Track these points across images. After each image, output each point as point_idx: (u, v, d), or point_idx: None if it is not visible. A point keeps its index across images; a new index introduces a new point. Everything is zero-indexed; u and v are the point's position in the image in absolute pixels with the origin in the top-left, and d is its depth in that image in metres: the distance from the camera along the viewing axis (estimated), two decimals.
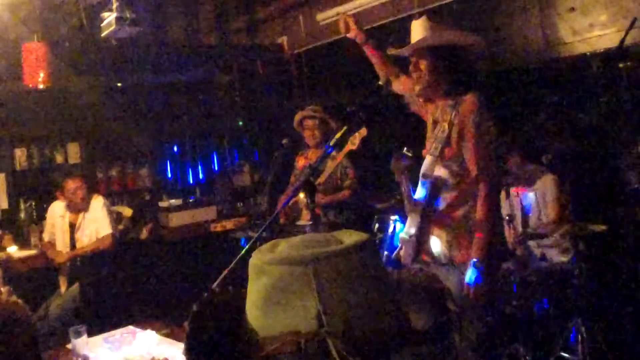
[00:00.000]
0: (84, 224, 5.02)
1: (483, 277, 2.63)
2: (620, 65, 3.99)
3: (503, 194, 4.20)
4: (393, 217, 4.25)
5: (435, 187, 2.83)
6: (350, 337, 0.88)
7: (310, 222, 4.18)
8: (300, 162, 4.93)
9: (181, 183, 7.46)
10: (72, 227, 5.04)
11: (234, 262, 2.26)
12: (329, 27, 5.93)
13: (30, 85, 4.75)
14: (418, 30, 2.82)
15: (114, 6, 4.44)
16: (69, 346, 3.00)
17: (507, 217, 4.18)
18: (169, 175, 7.46)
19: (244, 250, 2.34)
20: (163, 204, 6.59)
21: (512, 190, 4.31)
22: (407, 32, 2.88)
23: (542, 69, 4.55)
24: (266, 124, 7.14)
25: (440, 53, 2.78)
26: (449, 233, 2.81)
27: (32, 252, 5.46)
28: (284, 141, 4.77)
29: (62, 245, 5.05)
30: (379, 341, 0.91)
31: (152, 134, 7.02)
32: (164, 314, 4.42)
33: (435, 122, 2.87)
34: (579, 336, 3.52)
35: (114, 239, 5.04)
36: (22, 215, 5.99)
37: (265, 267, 0.94)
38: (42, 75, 4.67)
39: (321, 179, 4.49)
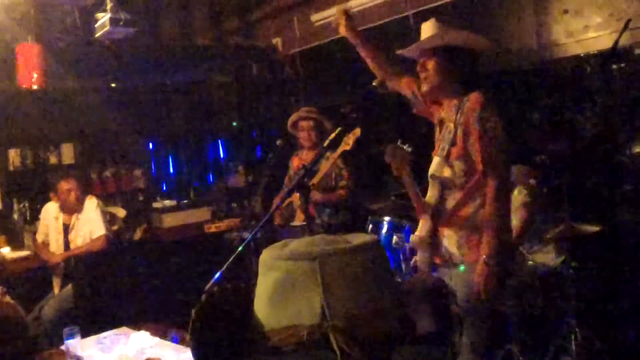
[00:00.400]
0: (78, 225, 5.00)
1: (493, 275, 2.63)
2: (615, 66, 4.01)
3: None
4: (387, 218, 4.24)
5: (445, 187, 2.82)
6: (351, 332, 0.91)
7: (305, 223, 4.17)
8: (295, 163, 4.93)
9: (175, 184, 7.46)
10: (66, 228, 5.02)
11: (228, 261, 2.26)
12: (323, 28, 5.92)
13: (25, 86, 4.75)
14: (427, 31, 2.83)
15: (108, 7, 4.44)
16: (63, 347, 2.99)
17: None
18: (163, 176, 7.45)
19: (237, 250, 2.35)
20: (157, 204, 6.58)
21: None
22: (403, 33, 2.89)
23: (537, 70, 4.55)
24: (261, 124, 7.14)
25: (447, 54, 2.78)
26: (458, 232, 2.80)
27: (26, 253, 5.44)
28: (279, 142, 4.78)
29: (55, 246, 5.03)
30: (380, 339, 0.93)
31: (146, 135, 7.01)
32: (158, 314, 4.40)
33: (441, 123, 2.87)
34: (573, 337, 3.53)
35: (107, 239, 5.02)
36: (16, 216, 5.96)
37: (274, 263, 0.98)
38: (36, 76, 4.67)
39: (316, 180, 4.49)
